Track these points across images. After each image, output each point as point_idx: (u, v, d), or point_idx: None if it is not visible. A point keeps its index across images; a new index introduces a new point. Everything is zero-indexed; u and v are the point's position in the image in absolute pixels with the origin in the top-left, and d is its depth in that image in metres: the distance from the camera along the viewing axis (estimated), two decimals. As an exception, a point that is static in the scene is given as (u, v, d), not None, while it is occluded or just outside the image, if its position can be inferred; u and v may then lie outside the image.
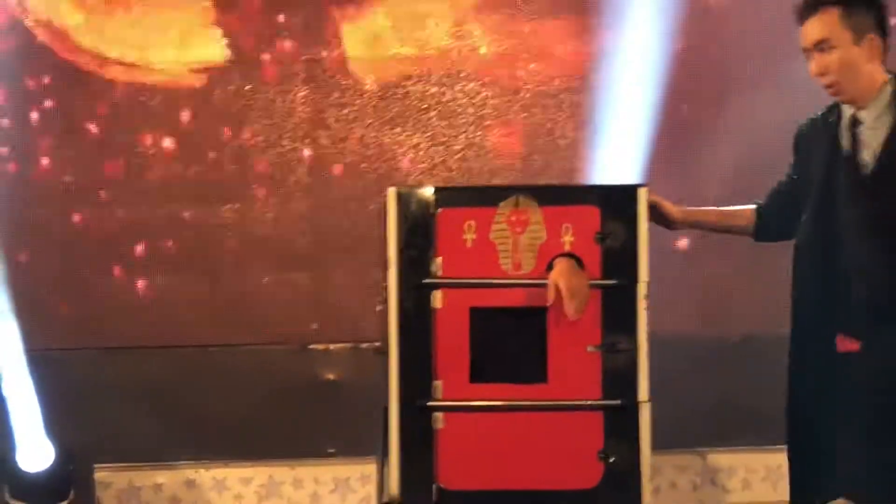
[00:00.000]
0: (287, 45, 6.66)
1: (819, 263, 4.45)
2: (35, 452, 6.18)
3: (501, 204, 4.72)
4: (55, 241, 6.57)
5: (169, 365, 6.57)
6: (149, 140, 6.63)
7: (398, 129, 6.73)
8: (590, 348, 4.70)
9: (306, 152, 6.70)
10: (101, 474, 6.48)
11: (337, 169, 6.70)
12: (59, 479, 6.21)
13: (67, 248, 6.58)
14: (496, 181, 6.63)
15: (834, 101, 4.53)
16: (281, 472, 6.66)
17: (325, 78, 6.69)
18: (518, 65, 6.75)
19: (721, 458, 6.79)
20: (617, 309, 4.70)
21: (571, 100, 6.75)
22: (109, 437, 6.43)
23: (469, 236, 4.71)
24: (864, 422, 4.36)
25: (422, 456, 4.69)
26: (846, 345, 4.40)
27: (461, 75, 6.74)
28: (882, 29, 4.41)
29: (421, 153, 6.73)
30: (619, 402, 4.70)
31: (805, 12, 4.41)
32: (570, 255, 4.69)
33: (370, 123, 6.72)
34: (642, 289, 4.70)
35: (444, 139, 6.74)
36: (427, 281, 4.71)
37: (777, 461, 6.65)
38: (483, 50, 6.75)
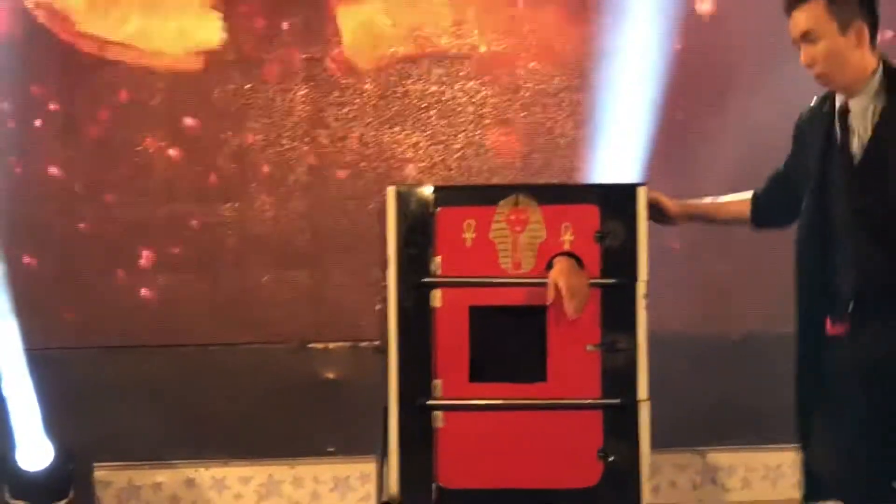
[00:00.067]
0: (287, 44, 6.66)
1: (815, 251, 4.46)
2: (35, 451, 6.18)
3: (501, 203, 4.72)
4: (55, 241, 6.57)
5: (168, 364, 6.57)
6: (149, 140, 6.62)
7: (398, 128, 6.73)
8: (589, 347, 4.70)
9: (306, 151, 6.69)
10: (101, 473, 6.48)
11: (336, 168, 6.70)
12: (58, 478, 6.21)
13: (66, 248, 6.57)
14: (496, 180, 6.62)
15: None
16: (280, 471, 6.66)
17: (325, 77, 6.69)
18: (518, 63, 6.75)
19: (721, 457, 6.78)
20: (616, 308, 4.70)
21: (571, 98, 6.74)
22: (109, 436, 6.43)
23: (468, 235, 4.71)
24: (846, 409, 4.38)
25: (421, 455, 4.69)
26: (834, 329, 4.42)
27: (461, 74, 6.74)
28: (870, 14, 4.40)
29: (420, 152, 6.73)
30: (618, 400, 4.70)
31: (791, 4, 4.42)
32: (569, 254, 4.69)
33: (370, 122, 6.72)
34: (642, 288, 4.70)
35: (444, 138, 6.74)
36: (426, 280, 4.71)
37: (777, 460, 6.68)
38: (483, 49, 6.75)
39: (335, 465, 6.67)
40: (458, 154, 6.74)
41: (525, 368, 4.71)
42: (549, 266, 4.68)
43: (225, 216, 6.67)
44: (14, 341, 6.23)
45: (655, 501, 4.83)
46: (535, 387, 4.71)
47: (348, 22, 6.69)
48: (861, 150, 4.38)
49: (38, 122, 6.56)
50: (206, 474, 6.64)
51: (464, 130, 6.75)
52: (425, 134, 6.74)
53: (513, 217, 4.71)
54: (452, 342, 4.69)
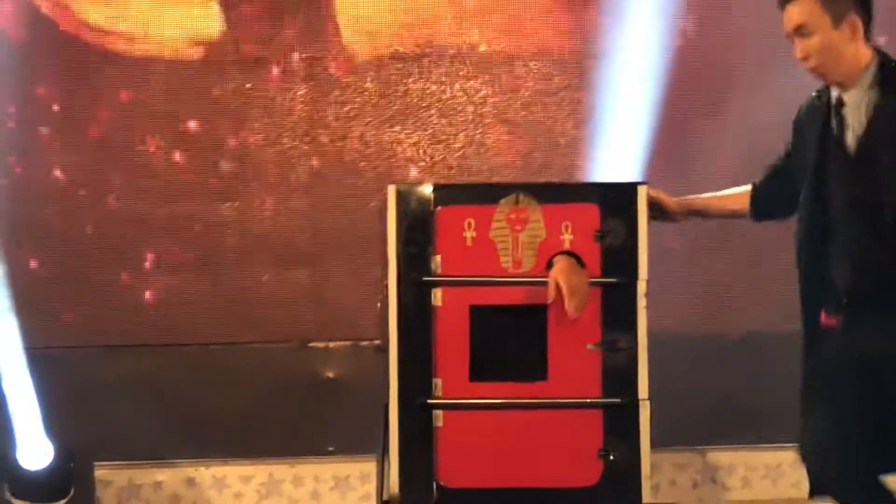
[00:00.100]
0: (287, 42, 6.66)
1: (813, 244, 4.48)
2: (35, 450, 6.18)
3: (501, 202, 4.72)
4: (55, 240, 6.57)
5: (169, 363, 6.57)
6: (149, 139, 6.62)
7: (398, 128, 6.73)
8: (590, 346, 4.70)
9: (306, 150, 6.69)
10: (102, 472, 6.47)
11: (337, 167, 6.70)
12: (59, 477, 6.21)
13: (67, 247, 6.57)
14: (496, 179, 6.62)
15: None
16: (281, 470, 6.66)
17: (325, 76, 6.69)
18: (518, 63, 6.75)
19: (721, 456, 6.79)
20: (617, 307, 4.70)
21: (571, 98, 6.74)
22: (109, 434, 6.43)
23: (469, 234, 4.71)
24: (838, 401, 4.40)
25: (422, 454, 4.70)
26: (828, 320, 4.44)
27: (461, 73, 6.74)
28: (864, 7, 4.41)
29: (421, 151, 6.73)
30: (618, 400, 4.71)
31: None
32: (569, 253, 4.69)
33: (370, 121, 6.71)
34: (642, 287, 4.71)
35: (444, 137, 6.74)
36: (427, 279, 4.71)
37: (777, 459, 6.68)
38: (483, 48, 6.74)
39: (335, 464, 6.67)
40: (459, 153, 6.74)
41: (525, 367, 4.71)
42: (550, 265, 4.68)
43: (225, 215, 6.67)
44: (14, 340, 6.23)
45: (655, 500, 4.83)
46: (536, 386, 4.71)
47: (349, 20, 6.69)
48: (855, 143, 4.39)
49: (37, 121, 6.56)
50: (206, 473, 6.64)
51: (464, 129, 6.75)
52: (426, 133, 6.74)
53: (513, 216, 4.71)
54: (453, 341, 4.69)
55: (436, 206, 4.72)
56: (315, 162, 6.69)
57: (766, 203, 4.76)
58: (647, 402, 4.70)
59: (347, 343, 6.62)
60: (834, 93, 4.46)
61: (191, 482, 6.62)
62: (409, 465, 4.70)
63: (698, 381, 6.55)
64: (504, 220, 4.71)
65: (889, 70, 4.39)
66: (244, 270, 6.67)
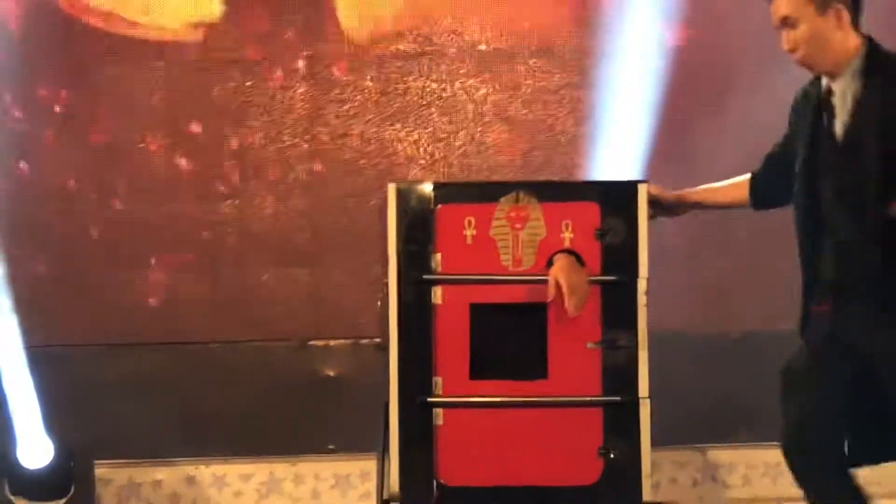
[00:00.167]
0: (287, 40, 6.66)
1: (807, 234, 4.50)
2: (35, 449, 6.18)
3: (501, 200, 4.72)
4: (55, 239, 6.57)
5: (169, 361, 6.57)
6: (149, 138, 6.62)
7: (398, 126, 6.72)
8: (590, 345, 4.70)
9: (306, 148, 6.69)
10: (102, 471, 6.47)
11: (337, 165, 6.70)
12: (59, 475, 6.21)
13: (67, 245, 6.57)
14: (497, 177, 6.62)
15: None
16: (281, 469, 6.66)
17: (326, 74, 6.69)
18: (518, 61, 6.75)
19: (721, 455, 6.78)
20: (617, 305, 4.70)
21: (572, 96, 6.74)
22: (109, 433, 6.43)
23: (469, 232, 4.71)
24: (823, 384, 4.43)
25: (422, 452, 4.69)
26: (818, 307, 4.50)
27: (461, 71, 6.74)
28: None
29: (421, 149, 6.72)
30: (618, 398, 4.70)
31: None
32: (569, 252, 4.69)
33: (370, 119, 6.71)
34: (642, 285, 4.70)
35: (445, 135, 6.74)
36: (427, 277, 4.71)
37: (777, 457, 6.62)
38: (483, 46, 6.74)
39: (336, 463, 6.67)
40: (459, 151, 6.74)
41: (525, 365, 4.71)
42: (550, 263, 4.68)
43: (225, 214, 6.66)
44: (15, 338, 6.23)
45: (656, 499, 4.82)
46: (536, 384, 4.71)
47: (349, 19, 6.69)
48: (843, 132, 4.40)
49: (39, 122, 6.56)
50: (206, 472, 6.64)
51: (465, 127, 6.74)
52: (426, 131, 6.74)
53: (513, 214, 4.71)
54: (453, 339, 4.69)
55: (436, 205, 4.71)
56: (315, 160, 6.69)
57: (764, 191, 4.77)
58: (648, 401, 4.70)
59: (347, 341, 6.62)
60: (824, 82, 4.47)
61: (191, 481, 6.62)
62: (409, 463, 4.70)
63: (698, 380, 6.55)
64: (504, 218, 4.70)
65: (875, 57, 4.39)
66: (244, 269, 6.67)
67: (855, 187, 4.33)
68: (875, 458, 4.58)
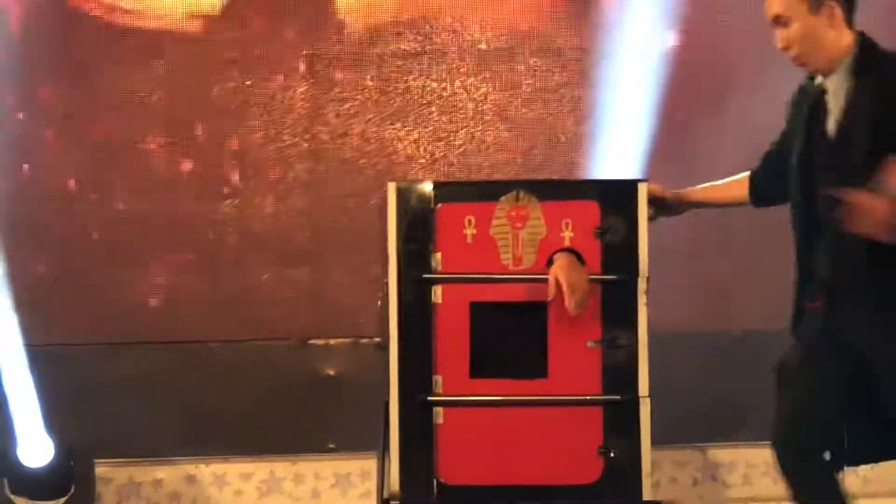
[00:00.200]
0: (287, 39, 6.66)
1: (802, 233, 4.51)
2: (36, 448, 6.18)
3: (502, 199, 4.72)
4: (55, 238, 6.57)
5: (169, 360, 6.57)
6: (149, 137, 6.62)
7: (398, 125, 6.72)
8: (590, 343, 4.70)
9: (306, 148, 6.69)
10: (102, 469, 6.47)
11: (337, 164, 6.70)
12: (59, 474, 6.21)
13: (67, 245, 6.57)
14: (497, 176, 6.62)
15: None
16: (281, 468, 6.66)
17: (326, 73, 6.69)
18: (519, 60, 6.75)
19: (721, 454, 6.78)
20: (617, 304, 4.70)
21: (572, 95, 6.74)
22: (110, 432, 6.43)
23: (469, 231, 4.71)
24: (816, 381, 4.43)
25: (422, 451, 4.70)
26: (812, 304, 4.51)
27: (461, 70, 6.74)
28: None
29: (421, 148, 6.73)
30: (618, 397, 4.70)
31: None
32: (570, 251, 4.69)
33: (370, 118, 6.71)
34: (642, 284, 4.70)
35: (445, 134, 6.74)
36: (427, 276, 4.71)
37: (777, 456, 6.64)
38: (483, 45, 6.74)
39: (336, 462, 6.67)
40: (459, 150, 6.74)
41: (525, 364, 4.71)
42: (550, 262, 4.68)
43: (225, 214, 6.67)
44: (15, 337, 6.23)
45: (656, 498, 4.82)
46: (536, 383, 4.71)
47: (349, 17, 6.69)
48: (835, 129, 4.41)
49: (39, 122, 6.56)
50: (206, 471, 6.64)
51: (465, 126, 6.75)
52: (426, 130, 6.74)
53: (513, 213, 4.71)
54: (453, 338, 4.69)
55: (436, 204, 4.72)
56: (315, 159, 6.69)
57: (764, 189, 4.78)
58: (648, 400, 4.70)
59: (347, 340, 6.62)
60: (818, 79, 4.48)
61: (191, 480, 6.62)
62: (409, 462, 4.70)
63: (699, 379, 6.55)
64: (504, 217, 4.71)
65: (868, 55, 4.39)
66: (244, 268, 6.67)
67: (845, 184, 4.34)
68: (873, 458, 4.58)
